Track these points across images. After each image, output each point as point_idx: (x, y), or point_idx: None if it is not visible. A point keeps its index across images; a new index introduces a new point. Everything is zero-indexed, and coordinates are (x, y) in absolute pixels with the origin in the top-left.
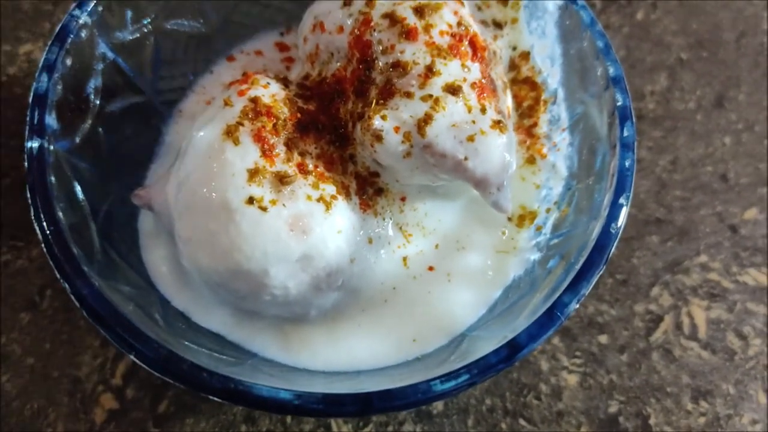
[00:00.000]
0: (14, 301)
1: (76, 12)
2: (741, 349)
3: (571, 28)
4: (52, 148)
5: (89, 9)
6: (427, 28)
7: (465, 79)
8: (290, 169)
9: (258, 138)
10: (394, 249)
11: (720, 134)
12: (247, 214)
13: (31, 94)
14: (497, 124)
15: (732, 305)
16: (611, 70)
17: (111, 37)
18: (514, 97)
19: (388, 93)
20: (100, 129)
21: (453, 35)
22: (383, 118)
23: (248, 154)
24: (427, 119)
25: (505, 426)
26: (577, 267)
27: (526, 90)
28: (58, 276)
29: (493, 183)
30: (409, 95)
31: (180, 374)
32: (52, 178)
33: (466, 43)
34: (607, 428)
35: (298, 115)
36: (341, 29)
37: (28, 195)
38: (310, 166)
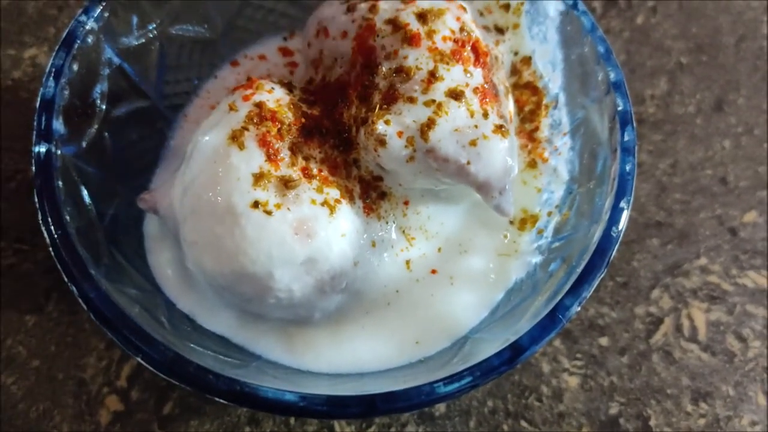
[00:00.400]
0: (20, 304)
1: (83, 18)
2: (740, 351)
3: (572, 34)
4: (59, 152)
5: (95, 15)
6: (430, 34)
7: (467, 84)
8: (294, 173)
9: (263, 142)
10: (397, 252)
11: (720, 138)
12: (252, 218)
13: (39, 99)
14: (499, 128)
15: (732, 307)
16: (612, 75)
17: (117, 42)
18: (516, 101)
19: (391, 98)
20: (106, 133)
21: (455, 41)
22: (386, 122)
23: (253, 158)
24: (430, 124)
25: (506, 427)
26: (579, 270)
27: (528, 94)
28: (65, 279)
29: (495, 187)
30: (412, 100)
31: (186, 376)
32: (60, 183)
33: (469, 48)
34: (607, 430)
35: (303, 119)
36: (345, 35)
37: (36, 199)
38: (314, 171)
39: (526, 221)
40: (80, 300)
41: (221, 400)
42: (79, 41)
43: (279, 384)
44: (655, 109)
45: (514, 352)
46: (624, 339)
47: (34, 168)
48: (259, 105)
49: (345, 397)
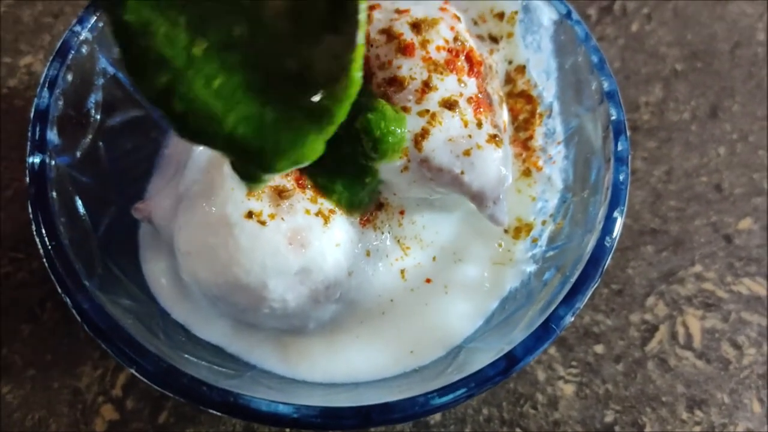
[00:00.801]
0: (15, 312)
1: (77, 28)
2: (736, 358)
3: (565, 43)
4: (53, 163)
5: (90, 25)
6: (424, 44)
7: (461, 94)
8: (289, 183)
9: None
10: (392, 262)
11: (714, 145)
12: (246, 228)
13: (33, 109)
14: (493, 138)
15: (727, 315)
16: (605, 85)
17: (111, 52)
18: (510, 110)
19: None
20: (101, 143)
21: (449, 50)
22: None
23: None
24: (423, 134)
25: None
26: (573, 280)
27: (522, 103)
28: (59, 290)
29: (489, 196)
30: (405, 110)
31: (180, 388)
32: (54, 194)
33: (463, 58)
34: None
35: None
36: None
37: (30, 210)
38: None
39: (520, 230)
40: (74, 311)
41: (215, 412)
42: (73, 51)
43: (273, 394)
44: (649, 116)
45: (509, 362)
46: (619, 346)
47: (28, 179)
48: None
49: (340, 408)
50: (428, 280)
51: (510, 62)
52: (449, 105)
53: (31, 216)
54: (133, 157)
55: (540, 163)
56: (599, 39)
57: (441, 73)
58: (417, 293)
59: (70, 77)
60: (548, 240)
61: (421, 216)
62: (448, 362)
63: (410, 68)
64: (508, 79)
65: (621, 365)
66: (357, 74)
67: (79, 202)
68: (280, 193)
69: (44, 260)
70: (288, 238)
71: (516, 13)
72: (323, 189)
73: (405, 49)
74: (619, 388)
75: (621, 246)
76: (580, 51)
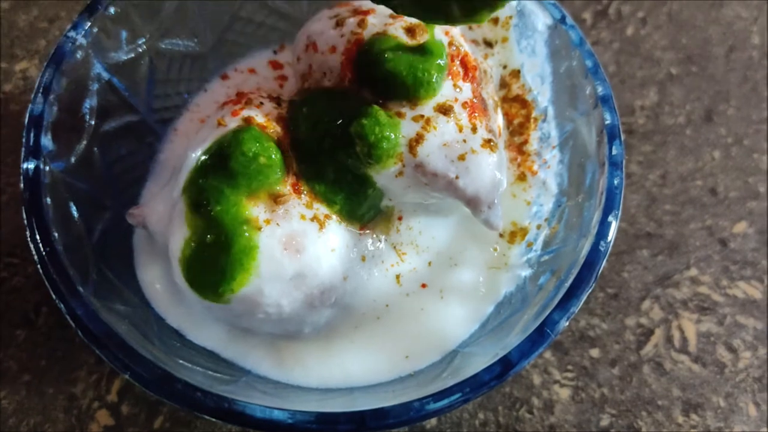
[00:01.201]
0: (10, 318)
1: (72, 33)
2: (731, 362)
3: (560, 47)
4: (47, 168)
5: (85, 30)
6: None
7: (456, 99)
8: (284, 188)
9: None
10: (388, 267)
11: (709, 148)
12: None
13: (27, 115)
14: (488, 143)
15: (722, 318)
16: (600, 90)
17: (106, 57)
18: (505, 114)
19: None
20: (96, 148)
21: None
22: None
23: None
24: (418, 139)
25: None
26: (568, 284)
27: (517, 108)
28: (53, 296)
29: (484, 201)
30: (400, 115)
31: (174, 394)
32: (48, 199)
33: (458, 62)
34: None
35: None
36: (334, 49)
37: (24, 216)
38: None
39: (515, 234)
40: (68, 317)
41: (210, 418)
42: (68, 57)
43: (268, 399)
44: (645, 120)
45: (504, 366)
46: (615, 350)
47: (22, 184)
48: (248, 120)
49: (334, 414)
50: (424, 285)
51: (505, 67)
52: (444, 110)
53: (25, 221)
54: (128, 163)
55: (535, 167)
56: (594, 43)
57: None
58: (412, 298)
59: (64, 82)
60: (543, 244)
61: (418, 222)
62: (444, 367)
63: None
64: (503, 84)
65: (617, 369)
66: None
67: (73, 208)
68: (276, 199)
69: (38, 266)
70: (283, 243)
71: (510, 17)
72: (326, 201)
73: None
74: (614, 392)
75: (616, 250)
76: (575, 55)
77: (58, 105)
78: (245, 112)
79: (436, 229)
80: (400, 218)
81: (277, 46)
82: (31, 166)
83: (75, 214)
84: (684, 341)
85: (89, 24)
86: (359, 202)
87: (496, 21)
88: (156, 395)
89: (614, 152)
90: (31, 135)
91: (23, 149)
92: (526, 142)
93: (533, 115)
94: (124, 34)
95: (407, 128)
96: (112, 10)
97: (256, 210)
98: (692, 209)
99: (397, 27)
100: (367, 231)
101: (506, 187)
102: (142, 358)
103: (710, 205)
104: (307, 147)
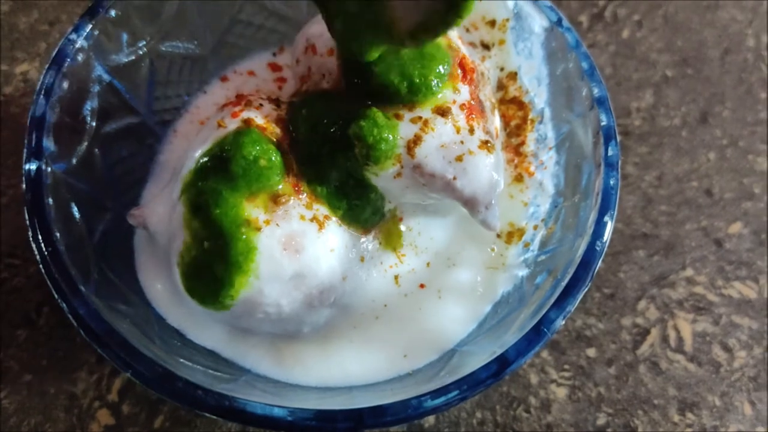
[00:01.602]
0: (11, 318)
1: (73, 36)
2: (726, 361)
3: (556, 50)
4: (49, 170)
5: (86, 33)
6: None
7: (454, 101)
8: (284, 189)
9: None
10: (386, 268)
11: (705, 150)
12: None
13: (29, 117)
14: (485, 144)
15: (717, 318)
16: (596, 91)
17: (107, 59)
18: (502, 116)
19: None
20: (97, 150)
21: None
22: None
23: None
24: (416, 140)
25: None
26: (564, 283)
27: (514, 109)
28: (55, 295)
29: (481, 202)
30: (398, 117)
31: (175, 392)
32: (50, 200)
33: (456, 65)
34: None
35: (292, 134)
36: (332, 51)
37: (26, 216)
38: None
39: (512, 235)
40: (70, 316)
41: (210, 416)
42: (69, 59)
43: (268, 398)
44: (640, 122)
45: (501, 365)
46: (611, 350)
47: (24, 185)
48: (248, 121)
49: (333, 411)
50: (422, 286)
51: (502, 69)
52: (442, 112)
53: (27, 222)
54: (129, 164)
55: (532, 168)
56: (590, 46)
57: None
58: (410, 298)
59: (66, 85)
60: (540, 244)
61: (417, 223)
62: (441, 366)
63: None
64: (500, 86)
65: (613, 368)
66: None
67: (75, 208)
68: (275, 199)
69: (40, 266)
70: (282, 243)
71: (507, 20)
72: (329, 206)
73: None
74: (611, 391)
75: (612, 250)
76: (571, 57)
77: (59, 107)
78: (245, 114)
79: (434, 230)
80: (400, 219)
81: (277, 49)
82: (33, 167)
83: (76, 214)
84: (680, 341)
85: (90, 26)
86: (362, 207)
87: (493, 23)
88: (157, 393)
89: (610, 153)
90: (33, 136)
91: (25, 150)
92: (523, 143)
93: (530, 116)
94: (124, 36)
95: (405, 130)
96: (113, 12)
97: (255, 211)
98: (688, 210)
99: None
100: (370, 235)
101: (503, 188)
102: (143, 357)
103: (706, 206)
104: (307, 149)
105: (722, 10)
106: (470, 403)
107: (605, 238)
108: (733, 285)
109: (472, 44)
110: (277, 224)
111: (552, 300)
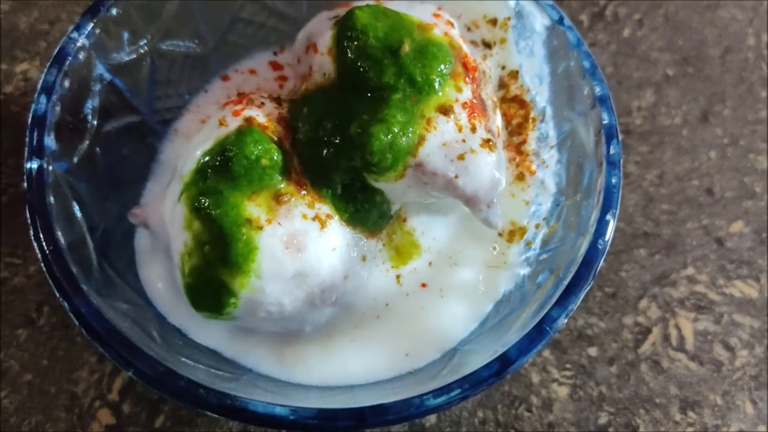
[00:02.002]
0: (12, 317)
1: (74, 34)
2: (728, 360)
3: (558, 48)
4: (50, 168)
5: (87, 31)
6: None
7: (456, 100)
8: (286, 188)
9: None
10: (388, 267)
11: (706, 149)
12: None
13: (30, 115)
14: (487, 142)
15: (719, 317)
16: (597, 90)
17: (108, 58)
18: (504, 115)
19: None
20: (98, 148)
21: None
22: None
23: None
24: (419, 139)
25: None
26: (566, 282)
27: (516, 108)
28: (56, 294)
29: (483, 200)
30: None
31: (177, 391)
32: (51, 199)
33: (458, 63)
34: None
35: (294, 133)
36: (332, 51)
37: (27, 215)
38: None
39: (514, 233)
40: (71, 315)
41: (212, 414)
42: (70, 58)
43: (270, 397)
44: (641, 121)
45: (503, 363)
46: (612, 349)
47: (26, 184)
48: (249, 120)
49: (335, 410)
50: (424, 285)
51: (503, 67)
52: (444, 110)
53: (28, 220)
54: (130, 163)
55: (533, 167)
56: (591, 44)
57: None
58: (412, 297)
59: (67, 83)
60: (542, 243)
61: (420, 222)
62: (443, 364)
63: None
64: (502, 84)
65: (614, 367)
66: None
67: (76, 207)
68: (277, 199)
69: (42, 264)
70: (284, 242)
71: (509, 19)
72: (335, 209)
73: None
74: (612, 390)
75: (614, 249)
76: (573, 56)
77: (60, 105)
78: (246, 112)
79: (436, 229)
80: (404, 220)
81: (278, 48)
82: (34, 165)
83: (78, 213)
84: (681, 340)
85: (91, 25)
86: (369, 210)
87: (494, 22)
88: (159, 392)
89: (612, 152)
90: (35, 135)
91: (26, 149)
92: (524, 142)
93: (531, 115)
94: (125, 35)
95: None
96: (114, 11)
97: (257, 210)
98: (689, 209)
99: None
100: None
101: (505, 186)
102: (144, 356)
103: (707, 205)
104: (309, 149)
105: (723, 9)
106: (472, 403)
107: (607, 236)
108: (734, 284)
109: (473, 43)
110: (279, 223)
111: (554, 299)
